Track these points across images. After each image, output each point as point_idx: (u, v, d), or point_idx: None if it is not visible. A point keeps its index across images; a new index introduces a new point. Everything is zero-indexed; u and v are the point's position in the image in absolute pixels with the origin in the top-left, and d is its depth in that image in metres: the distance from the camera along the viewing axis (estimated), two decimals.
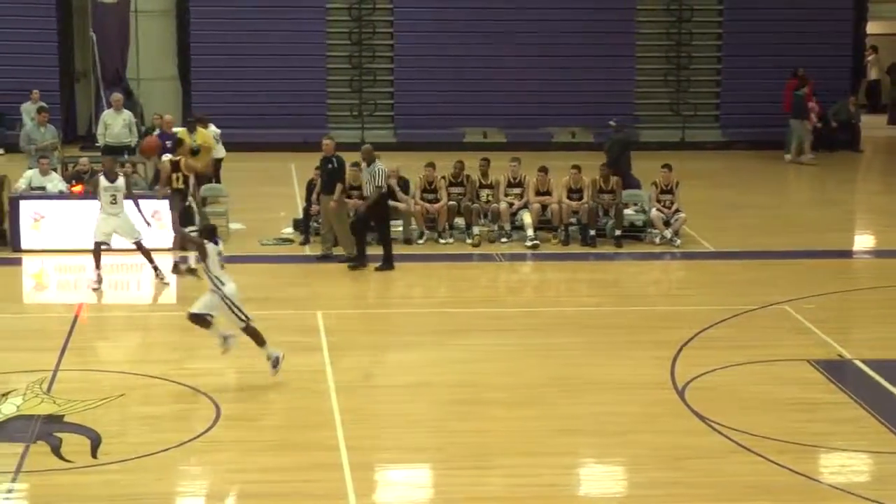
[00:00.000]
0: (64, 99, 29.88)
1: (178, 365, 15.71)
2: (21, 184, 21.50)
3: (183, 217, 18.41)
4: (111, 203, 18.98)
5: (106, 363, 15.72)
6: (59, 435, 13.22)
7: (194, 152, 22.22)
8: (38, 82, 28.09)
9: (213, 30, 30.08)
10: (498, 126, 30.46)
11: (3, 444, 13.06)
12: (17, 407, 13.95)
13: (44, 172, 21.52)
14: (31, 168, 22.17)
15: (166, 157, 21.82)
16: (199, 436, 13.41)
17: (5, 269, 20.21)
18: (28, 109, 26.76)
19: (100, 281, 18.93)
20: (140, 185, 21.73)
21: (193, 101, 29.63)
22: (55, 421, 13.64)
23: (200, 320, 14.80)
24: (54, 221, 20.73)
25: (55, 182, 21.46)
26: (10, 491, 12.10)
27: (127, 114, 24.99)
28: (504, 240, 21.78)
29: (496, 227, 21.95)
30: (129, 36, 30.24)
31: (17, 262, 20.49)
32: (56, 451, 12.87)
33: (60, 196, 21.15)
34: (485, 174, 22.35)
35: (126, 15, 30.22)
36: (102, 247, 19.04)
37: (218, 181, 22.91)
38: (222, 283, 14.57)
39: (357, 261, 19.89)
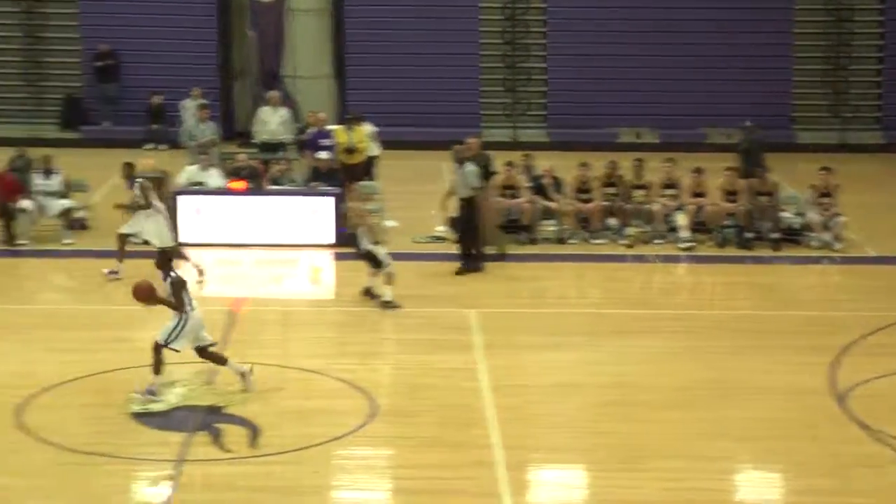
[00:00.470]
0: (223, 96, 30.44)
1: (333, 360, 15.92)
2: (181, 179, 21.97)
3: (369, 260, 18.33)
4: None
5: (263, 356, 15.93)
6: (220, 425, 13.51)
7: (350, 151, 22.53)
8: (199, 80, 28.67)
9: (369, 28, 30.33)
10: (651, 126, 30.20)
11: (168, 433, 13.40)
12: (182, 397, 14.29)
13: (204, 168, 21.98)
14: (191, 164, 22.64)
15: (324, 154, 22.16)
16: (354, 430, 13.56)
17: None
18: (189, 106, 27.33)
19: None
20: (297, 182, 22.04)
21: (348, 99, 29.96)
22: (216, 412, 13.95)
23: (209, 355, 14.50)
24: (213, 216, 21.14)
25: (214, 177, 21.88)
26: (173, 479, 12.40)
27: (283, 111, 25.41)
28: (658, 241, 21.61)
29: (650, 228, 21.79)
30: (285, 34, 30.70)
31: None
32: (217, 441, 13.16)
33: (219, 191, 21.56)
34: (638, 174, 22.20)
35: (283, 13, 30.70)
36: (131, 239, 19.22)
37: (372, 179, 23.11)
38: (192, 308, 14.31)
39: (469, 264, 19.73)
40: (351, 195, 18.78)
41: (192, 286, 14.89)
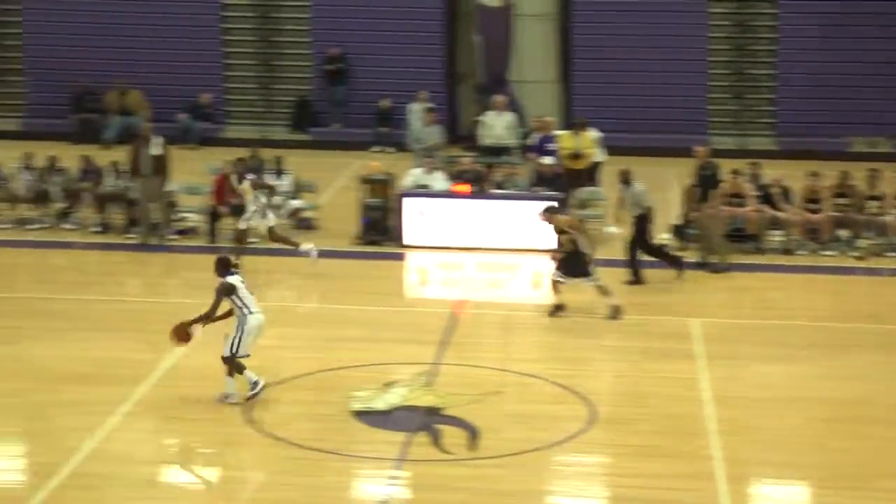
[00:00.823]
0: (448, 100, 30.75)
1: (552, 364, 15.93)
2: (407, 181, 22.27)
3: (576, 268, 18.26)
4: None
5: (483, 359, 16.04)
6: (440, 427, 13.63)
7: (576, 156, 22.50)
8: (425, 84, 29.01)
9: (596, 33, 30.21)
10: (887, 135, 29.24)
11: (388, 432, 13.58)
12: (403, 397, 14.46)
13: (428, 171, 22.24)
14: (416, 167, 22.93)
15: (548, 159, 22.19)
16: (573, 436, 13.52)
17: (390, 263, 20.99)
18: (415, 110, 27.67)
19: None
20: (521, 186, 22.10)
21: (574, 104, 29.89)
22: (436, 413, 14.07)
23: (234, 367, 14.17)
24: (437, 218, 21.37)
25: (439, 180, 22.11)
26: (393, 478, 12.57)
27: (509, 115, 25.50)
28: (891, 254, 20.91)
29: (883, 241, 21.10)
30: (512, 39, 30.82)
31: (401, 256, 21.24)
32: (436, 442, 13.28)
33: (443, 194, 21.77)
34: (872, 185, 21.54)
35: (510, 18, 30.83)
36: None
37: (595, 185, 23.02)
38: (250, 312, 14.15)
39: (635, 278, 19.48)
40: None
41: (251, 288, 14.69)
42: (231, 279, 14.13)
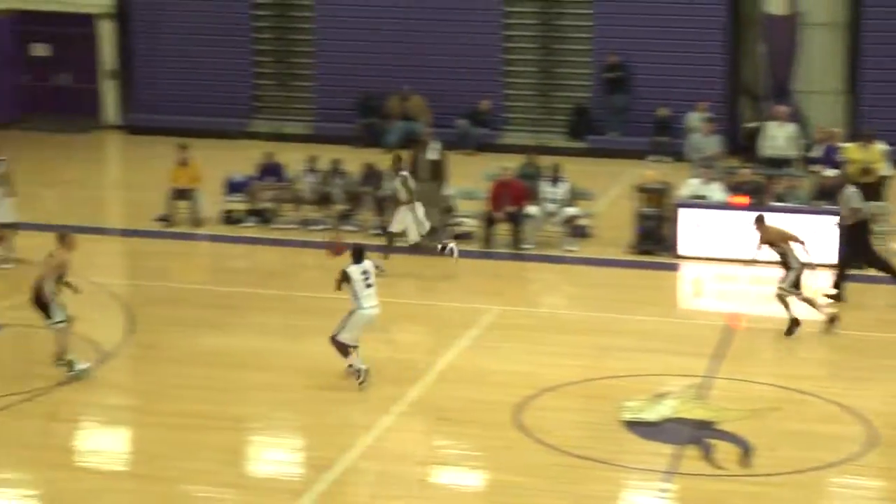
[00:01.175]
0: (729, 110, 30.20)
1: (829, 382, 15.49)
2: (684, 191, 21.99)
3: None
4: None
5: (757, 374, 15.70)
6: (712, 441, 13.39)
7: (864, 170, 21.79)
8: (705, 93, 28.54)
9: (888, 42, 29.13)
10: None
11: (658, 444, 13.44)
12: (674, 409, 14.29)
13: (706, 181, 21.90)
14: (693, 177, 22.61)
15: (831, 171, 21.55)
16: (851, 458, 13.08)
17: (663, 274, 20.77)
18: (694, 119, 27.30)
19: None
20: (802, 199, 21.53)
21: (860, 116, 28.88)
22: (708, 426, 13.84)
23: (340, 348, 14.95)
24: (714, 230, 21.02)
25: (716, 191, 21.75)
26: (662, 490, 12.42)
27: (791, 126, 24.88)
28: None
29: None
30: (797, 48, 30.05)
31: (675, 267, 20.99)
32: (708, 456, 13.06)
33: (721, 205, 21.40)
34: None
35: (797, 26, 30.08)
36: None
37: (881, 200, 22.22)
38: (360, 307, 14.68)
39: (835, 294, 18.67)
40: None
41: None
42: (352, 268, 14.82)
